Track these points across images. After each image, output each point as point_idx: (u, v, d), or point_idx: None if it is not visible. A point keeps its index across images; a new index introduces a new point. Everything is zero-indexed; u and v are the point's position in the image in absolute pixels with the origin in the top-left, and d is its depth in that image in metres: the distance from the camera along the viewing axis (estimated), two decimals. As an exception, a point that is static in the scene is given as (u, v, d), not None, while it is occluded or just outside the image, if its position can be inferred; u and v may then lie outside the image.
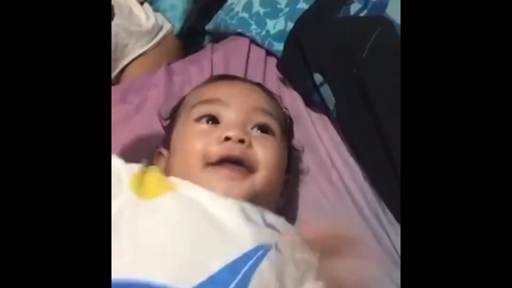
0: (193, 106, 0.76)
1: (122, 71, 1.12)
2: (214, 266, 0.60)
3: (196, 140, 0.72)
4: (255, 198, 0.70)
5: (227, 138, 0.71)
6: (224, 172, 0.70)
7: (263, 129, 0.75)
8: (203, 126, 0.74)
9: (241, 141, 0.71)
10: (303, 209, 0.81)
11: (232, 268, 0.61)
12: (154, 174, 0.70)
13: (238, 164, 0.71)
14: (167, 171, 0.75)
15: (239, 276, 0.61)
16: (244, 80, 0.86)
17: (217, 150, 0.70)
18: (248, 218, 0.66)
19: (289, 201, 0.81)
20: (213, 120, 0.74)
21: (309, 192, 0.83)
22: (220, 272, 0.60)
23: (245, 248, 0.63)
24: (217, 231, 0.64)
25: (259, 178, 0.71)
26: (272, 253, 0.65)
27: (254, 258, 0.63)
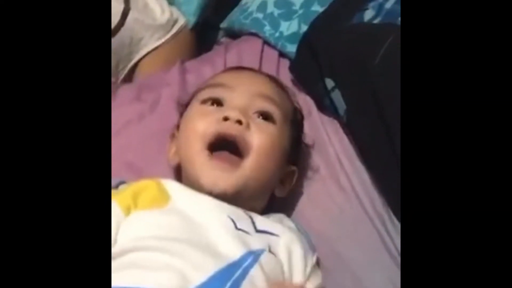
0: (200, 90, 0.80)
1: (136, 64, 1.13)
2: (203, 275, 0.62)
3: (198, 121, 0.76)
4: (246, 187, 0.72)
5: (226, 118, 0.73)
6: (216, 162, 0.72)
7: (264, 115, 0.77)
8: (206, 107, 0.77)
9: (239, 122, 0.73)
10: (311, 212, 0.82)
11: (219, 278, 0.63)
12: (149, 189, 0.71)
13: (233, 147, 0.73)
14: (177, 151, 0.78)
15: (229, 284, 0.62)
16: (256, 71, 0.88)
17: (214, 129, 0.73)
18: (237, 228, 0.68)
19: (298, 201, 0.83)
20: (218, 103, 0.77)
21: (317, 194, 0.84)
22: (209, 281, 0.62)
23: (232, 258, 0.65)
24: (206, 242, 0.66)
25: (250, 163, 0.73)
26: (264, 257, 0.67)
27: (243, 265, 0.65)
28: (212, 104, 0.77)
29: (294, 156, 0.81)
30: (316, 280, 0.72)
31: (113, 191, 0.71)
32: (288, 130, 0.80)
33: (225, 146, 0.73)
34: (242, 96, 0.77)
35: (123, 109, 0.86)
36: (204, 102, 0.78)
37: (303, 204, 0.83)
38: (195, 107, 0.78)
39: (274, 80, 0.84)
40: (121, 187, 0.74)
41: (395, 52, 0.80)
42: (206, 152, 0.73)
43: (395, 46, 0.80)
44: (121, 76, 1.13)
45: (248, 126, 0.74)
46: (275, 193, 0.79)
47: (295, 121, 0.83)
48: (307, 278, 0.71)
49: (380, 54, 0.80)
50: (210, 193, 0.71)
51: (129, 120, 0.86)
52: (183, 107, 0.84)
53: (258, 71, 0.87)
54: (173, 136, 0.82)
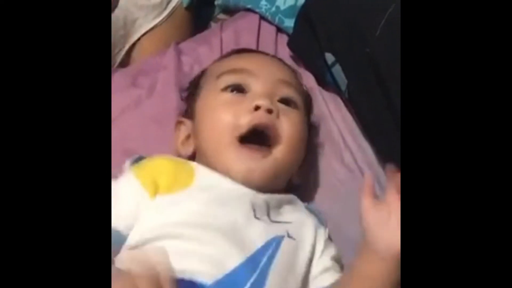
0: (219, 76, 0.76)
1: (133, 46, 1.11)
2: (232, 263, 0.62)
3: (224, 111, 0.73)
4: (277, 174, 0.72)
5: (257, 107, 0.71)
6: (247, 153, 0.71)
7: (288, 102, 0.76)
8: (230, 95, 0.74)
9: (270, 111, 0.72)
10: (316, 191, 0.81)
11: (249, 264, 0.63)
12: (166, 169, 0.71)
13: (263, 137, 0.71)
14: (194, 143, 0.76)
15: (258, 271, 0.63)
16: (265, 53, 0.86)
17: (248, 120, 0.71)
18: (256, 217, 0.68)
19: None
20: (239, 89, 0.74)
21: (321, 173, 0.82)
22: (238, 268, 0.62)
23: (257, 246, 0.65)
24: (231, 228, 0.65)
25: (280, 151, 0.72)
26: (285, 242, 0.67)
27: (269, 251, 0.65)
28: (233, 91, 0.74)
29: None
30: (330, 252, 0.71)
31: (134, 166, 0.71)
32: (307, 115, 0.80)
33: (255, 136, 0.72)
34: (266, 83, 0.75)
35: (119, 95, 0.84)
36: (225, 89, 0.75)
37: (309, 184, 0.81)
38: (216, 96, 0.75)
39: (284, 62, 0.83)
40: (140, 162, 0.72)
41: (397, 23, 0.77)
42: (237, 144, 0.71)
43: (396, 16, 0.77)
44: (118, 60, 1.11)
45: (278, 115, 0.73)
46: (294, 181, 0.78)
47: (308, 105, 0.82)
48: (321, 253, 0.71)
49: (381, 26, 0.78)
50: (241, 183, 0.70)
51: (126, 106, 0.85)
52: (186, 91, 0.83)
53: (268, 54, 0.85)
54: (180, 123, 0.79)
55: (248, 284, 0.61)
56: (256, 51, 0.86)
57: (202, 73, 0.82)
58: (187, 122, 0.78)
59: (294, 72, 0.82)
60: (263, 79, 0.75)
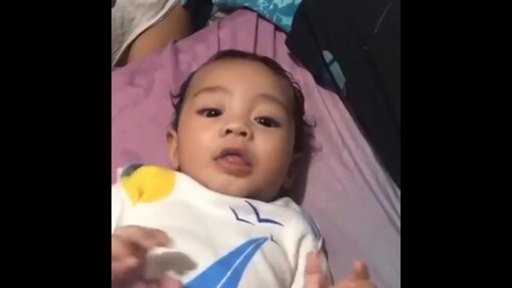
0: (196, 94, 0.75)
1: (130, 45, 1.11)
2: (202, 265, 0.62)
3: (199, 135, 0.72)
4: (257, 190, 0.71)
5: (229, 131, 0.71)
6: (224, 166, 0.70)
7: (267, 121, 0.73)
8: (206, 120, 0.73)
9: (243, 133, 0.71)
10: (314, 190, 0.81)
11: (221, 265, 0.62)
12: (149, 178, 0.71)
13: (239, 156, 0.71)
14: (178, 157, 0.76)
15: (230, 272, 0.62)
16: (251, 56, 0.83)
17: (219, 143, 0.71)
18: (238, 218, 0.67)
19: (300, 180, 0.81)
20: (215, 112, 0.73)
21: (319, 172, 0.82)
22: (210, 269, 0.62)
23: (234, 246, 0.64)
24: (206, 232, 0.65)
25: (258, 172, 0.71)
26: (267, 245, 0.66)
27: (245, 252, 0.64)
28: (210, 113, 0.73)
29: (299, 143, 0.79)
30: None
31: (124, 176, 0.71)
32: (293, 124, 0.77)
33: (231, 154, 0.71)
34: (242, 101, 0.72)
35: (117, 94, 0.84)
36: (200, 112, 0.73)
37: (307, 182, 0.81)
38: (192, 118, 0.74)
39: (270, 64, 0.80)
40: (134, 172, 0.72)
41: (395, 20, 0.77)
42: (213, 163, 0.71)
43: (394, 14, 0.77)
44: (115, 59, 1.11)
45: (252, 137, 0.71)
46: (285, 186, 0.77)
47: (298, 109, 0.80)
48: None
49: (379, 23, 0.78)
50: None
51: (124, 105, 0.84)
52: (176, 97, 0.82)
53: (253, 56, 0.83)
54: (169, 135, 0.79)
55: (219, 286, 0.61)
56: (241, 55, 0.82)
57: (189, 79, 0.81)
58: (175, 134, 0.78)
59: (281, 75, 0.79)
60: (240, 96, 0.73)
